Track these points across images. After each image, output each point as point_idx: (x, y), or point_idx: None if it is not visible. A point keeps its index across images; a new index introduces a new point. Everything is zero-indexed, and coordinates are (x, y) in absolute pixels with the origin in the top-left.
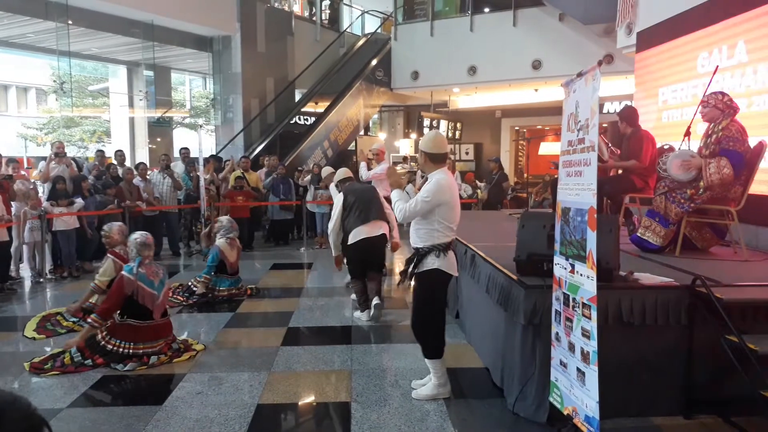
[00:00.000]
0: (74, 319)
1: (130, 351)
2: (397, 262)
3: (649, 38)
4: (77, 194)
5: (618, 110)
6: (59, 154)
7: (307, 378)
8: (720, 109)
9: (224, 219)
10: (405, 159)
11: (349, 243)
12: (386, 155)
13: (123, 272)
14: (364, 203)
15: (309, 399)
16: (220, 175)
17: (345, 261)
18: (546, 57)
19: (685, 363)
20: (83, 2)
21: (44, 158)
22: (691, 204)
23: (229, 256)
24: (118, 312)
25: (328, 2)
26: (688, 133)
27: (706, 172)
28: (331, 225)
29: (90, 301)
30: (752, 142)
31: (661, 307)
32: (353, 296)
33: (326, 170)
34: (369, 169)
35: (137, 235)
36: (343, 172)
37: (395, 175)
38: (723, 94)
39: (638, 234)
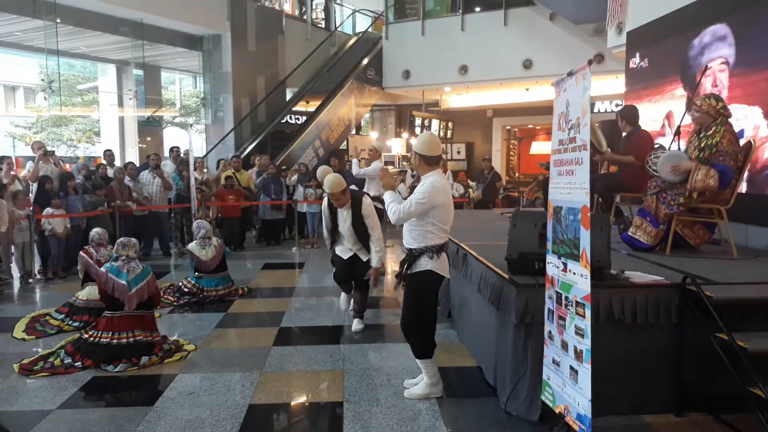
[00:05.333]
0: (62, 316)
1: (107, 341)
2: (390, 263)
3: (639, 38)
4: (62, 190)
5: (614, 109)
6: (47, 153)
7: (299, 378)
8: (712, 116)
9: (196, 222)
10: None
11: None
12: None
13: (101, 268)
14: None
15: (301, 399)
16: (213, 175)
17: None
18: (537, 56)
19: (676, 361)
20: (72, 0)
21: (32, 158)
22: (680, 207)
23: (200, 256)
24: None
25: (322, 3)
26: (678, 133)
27: (693, 176)
28: (379, 230)
29: (76, 296)
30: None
31: (651, 306)
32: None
33: (325, 169)
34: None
35: (122, 238)
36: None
37: (388, 176)
38: (717, 99)
39: (629, 233)
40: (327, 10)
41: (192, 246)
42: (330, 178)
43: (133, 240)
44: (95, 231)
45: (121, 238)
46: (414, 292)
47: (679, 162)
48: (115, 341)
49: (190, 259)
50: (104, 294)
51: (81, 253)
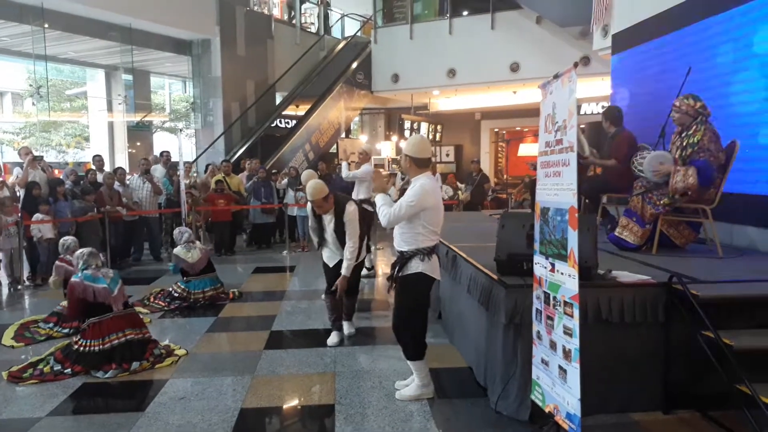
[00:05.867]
0: (50, 325)
1: (99, 348)
2: (381, 265)
3: (625, 40)
4: (52, 198)
5: (600, 111)
6: (35, 159)
7: (290, 381)
8: (691, 115)
9: (175, 231)
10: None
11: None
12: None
13: (72, 279)
14: None
15: (293, 402)
16: (201, 179)
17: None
18: (524, 59)
19: (663, 359)
20: (59, 5)
21: (20, 164)
22: (665, 208)
23: (187, 259)
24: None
25: (311, 8)
26: (662, 135)
27: (673, 178)
28: (355, 239)
29: (61, 304)
30: (725, 141)
31: (638, 305)
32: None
33: (310, 173)
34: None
35: (85, 249)
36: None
37: (381, 179)
38: (696, 99)
39: (615, 233)
40: (321, 16)
41: (178, 250)
42: (311, 185)
43: (95, 250)
44: (71, 239)
45: (87, 249)
46: (406, 294)
47: (661, 164)
48: (107, 346)
49: (174, 265)
50: (80, 303)
51: (58, 263)
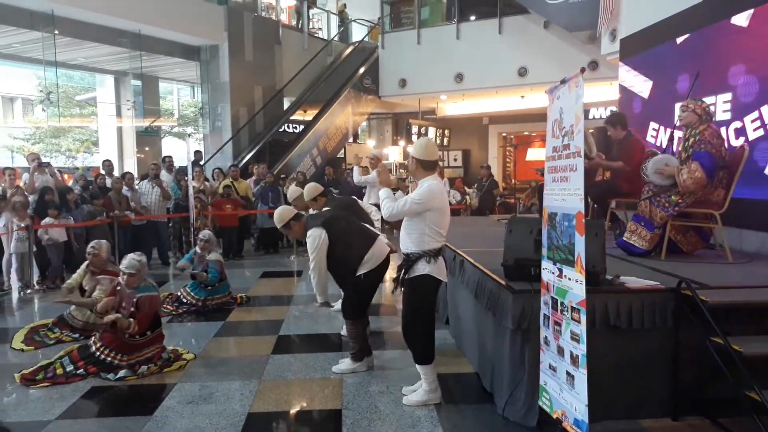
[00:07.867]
0: (58, 330)
1: (126, 363)
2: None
3: (633, 45)
4: (63, 206)
5: (605, 116)
6: (42, 164)
7: (297, 386)
8: (698, 114)
9: (208, 233)
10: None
11: (363, 273)
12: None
13: (149, 293)
14: (359, 217)
15: (300, 407)
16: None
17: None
18: (532, 64)
19: (672, 365)
20: (69, 12)
21: (29, 169)
22: (675, 208)
23: (223, 262)
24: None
25: (324, 17)
26: (671, 138)
27: (679, 179)
28: (313, 264)
29: (72, 314)
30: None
31: (647, 310)
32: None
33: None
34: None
35: (144, 258)
36: (314, 188)
37: (386, 173)
38: (701, 100)
39: (624, 238)
40: (329, 23)
41: (218, 256)
42: (276, 211)
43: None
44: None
45: (143, 256)
46: (413, 296)
47: (664, 167)
48: (133, 362)
49: (215, 272)
50: (152, 316)
51: (108, 277)
